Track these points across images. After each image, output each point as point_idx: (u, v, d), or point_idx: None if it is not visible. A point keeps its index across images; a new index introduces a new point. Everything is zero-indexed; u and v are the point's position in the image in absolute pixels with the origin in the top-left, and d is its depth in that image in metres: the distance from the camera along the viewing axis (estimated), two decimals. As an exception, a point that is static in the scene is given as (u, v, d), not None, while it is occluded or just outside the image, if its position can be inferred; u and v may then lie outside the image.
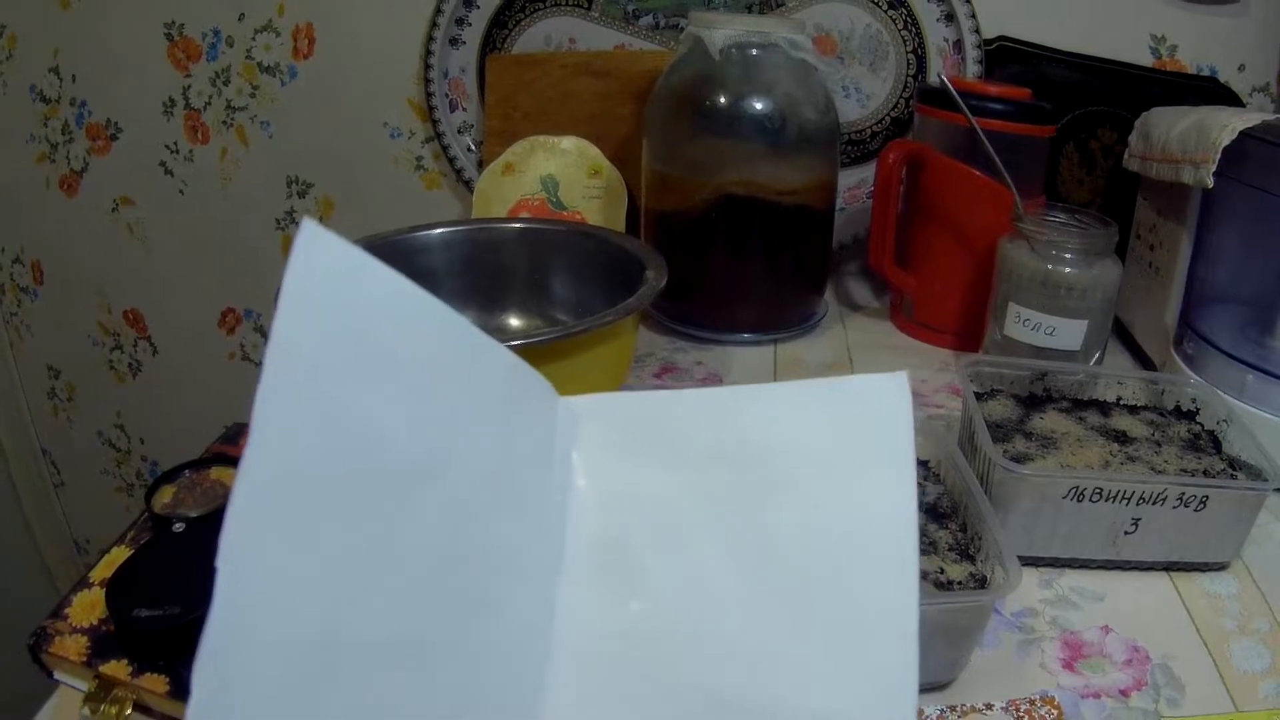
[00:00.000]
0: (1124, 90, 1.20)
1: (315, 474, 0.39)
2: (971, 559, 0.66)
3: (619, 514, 0.53)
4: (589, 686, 0.49)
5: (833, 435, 0.51)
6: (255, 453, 0.37)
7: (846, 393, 0.52)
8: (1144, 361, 1.07)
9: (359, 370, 0.41)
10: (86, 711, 0.60)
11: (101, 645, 0.62)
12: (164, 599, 0.61)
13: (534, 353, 0.79)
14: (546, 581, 0.51)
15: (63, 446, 1.96)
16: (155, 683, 0.59)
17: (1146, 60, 1.22)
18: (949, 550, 0.67)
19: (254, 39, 1.45)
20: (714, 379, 1.03)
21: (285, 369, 0.37)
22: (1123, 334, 1.12)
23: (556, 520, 0.53)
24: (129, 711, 0.60)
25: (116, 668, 0.60)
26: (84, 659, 0.61)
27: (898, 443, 0.50)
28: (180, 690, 0.59)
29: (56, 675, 0.64)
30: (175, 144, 1.57)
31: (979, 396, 0.85)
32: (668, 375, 1.04)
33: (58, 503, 2.01)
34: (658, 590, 0.51)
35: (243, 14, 1.44)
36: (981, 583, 0.64)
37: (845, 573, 0.49)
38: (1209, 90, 1.19)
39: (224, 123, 1.52)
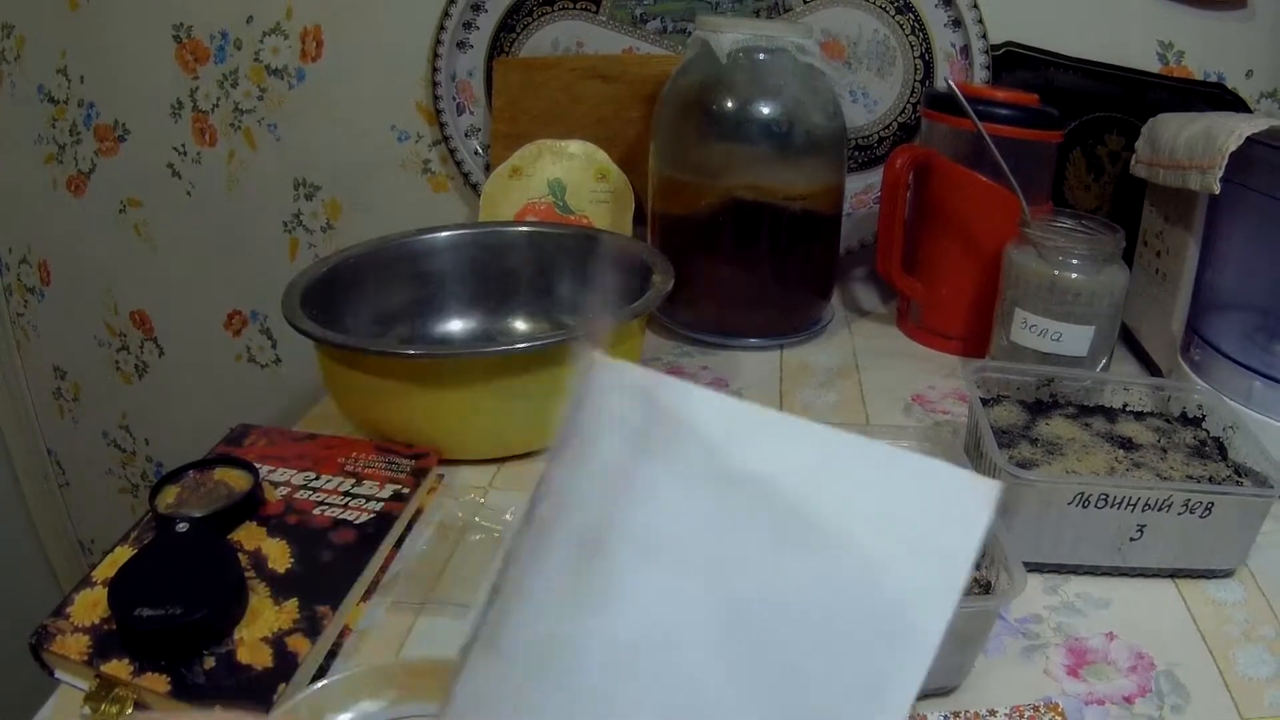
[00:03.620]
0: (1131, 96, 1.20)
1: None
2: (977, 565, 0.66)
3: (613, 509, 0.48)
4: (503, 687, 0.46)
5: (888, 510, 0.41)
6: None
7: (922, 473, 0.45)
8: (1150, 368, 1.07)
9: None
10: (87, 710, 0.60)
11: (103, 644, 0.62)
12: (166, 599, 0.61)
13: (540, 356, 0.80)
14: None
15: (68, 447, 1.96)
16: (156, 682, 0.59)
17: (1154, 66, 1.22)
18: (954, 555, 0.67)
19: (262, 41, 1.45)
20: (720, 384, 1.03)
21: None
22: (1129, 340, 1.12)
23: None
24: (130, 710, 0.60)
25: (117, 667, 0.60)
26: (85, 658, 0.61)
27: (958, 555, 0.42)
28: (181, 690, 0.59)
29: (57, 674, 0.64)
30: (183, 146, 1.57)
31: (985, 402, 0.85)
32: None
33: (62, 503, 2.01)
34: (623, 604, 0.46)
35: (251, 16, 1.44)
36: (987, 588, 0.64)
37: (826, 669, 0.39)
38: (1216, 96, 1.19)
39: (232, 125, 1.52)
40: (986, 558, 0.65)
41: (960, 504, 0.42)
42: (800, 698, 0.41)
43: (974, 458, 0.78)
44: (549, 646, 0.45)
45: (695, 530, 0.46)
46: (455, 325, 1.02)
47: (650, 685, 0.43)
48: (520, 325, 1.03)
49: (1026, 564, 0.63)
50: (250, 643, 0.62)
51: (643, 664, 0.44)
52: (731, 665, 0.43)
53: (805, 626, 0.42)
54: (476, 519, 0.79)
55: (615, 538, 0.47)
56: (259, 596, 0.66)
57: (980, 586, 0.64)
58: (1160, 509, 0.71)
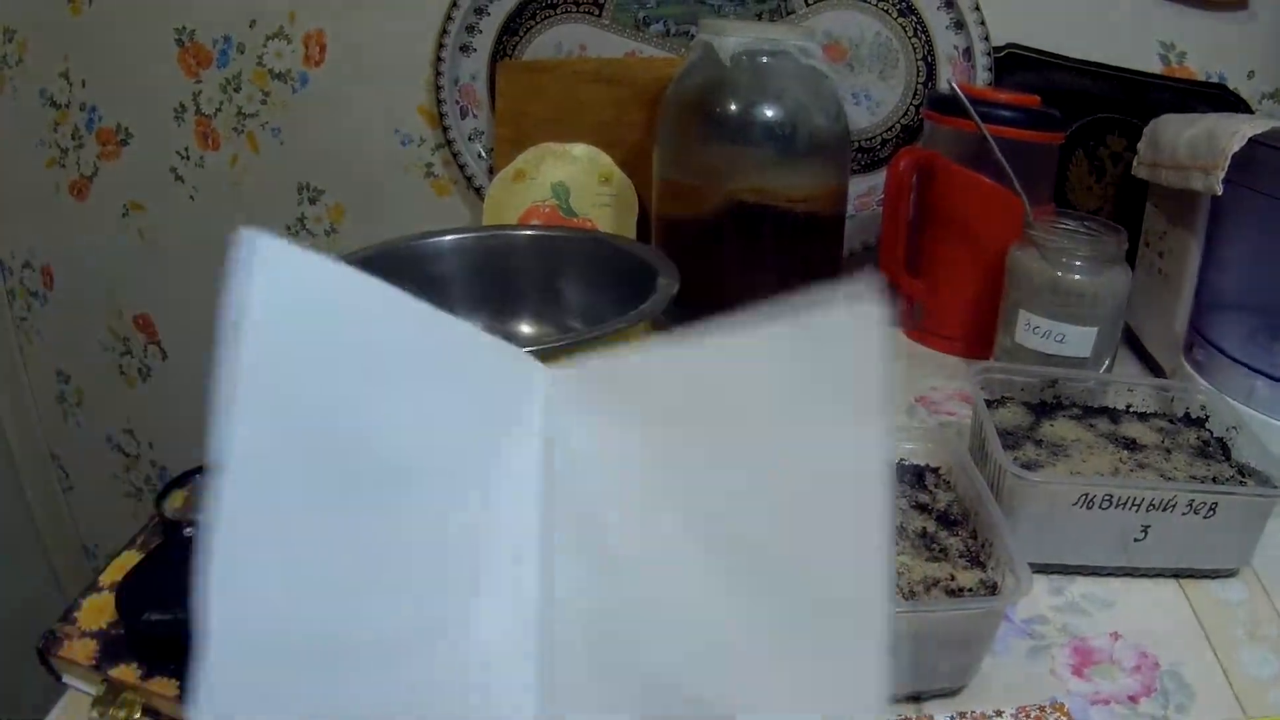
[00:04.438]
0: (1133, 97, 1.20)
1: (293, 479, 0.39)
2: (982, 565, 0.66)
3: (587, 483, 0.49)
4: (563, 679, 0.46)
5: (793, 379, 0.43)
6: (229, 466, 0.36)
7: (811, 330, 0.44)
8: (1153, 368, 1.07)
9: (323, 370, 0.40)
10: (95, 715, 0.60)
11: (110, 649, 0.62)
12: (175, 603, 0.61)
13: (546, 360, 0.80)
14: (523, 562, 0.48)
15: (72, 451, 1.96)
16: (165, 686, 0.59)
17: (1155, 67, 1.22)
18: (960, 557, 0.67)
19: (265, 46, 1.45)
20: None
21: (244, 372, 0.37)
22: (1132, 341, 1.12)
23: (528, 496, 0.49)
24: (138, 715, 0.60)
25: (125, 671, 0.61)
26: (93, 662, 0.61)
27: (866, 383, 0.41)
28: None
29: (65, 679, 0.64)
30: (186, 150, 1.57)
31: (989, 404, 0.85)
32: (678, 382, 1.03)
33: (66, 507, 2.01)
34: (620, 564, 0.47)
35: (254, 20, 1.44)
36: (992, 589, 0.64)
37: (803, 548, 0.41)
38: (1218, 97, 1.19)
39: (235, 129, 1.52)
40: (992, 559, 0.66)
41: (850, 338, 0.42)
42: (789, 579, 0.42)
43: (979, 459, 0.78)
44: (598, 624, 0.46)
45: (651, 474, 0.47)
46: (460, 330, 1.01)
47: (660, 622, 0.45)
48: (526, 329, 1.03)
49: (1031, 565, 0.63)
50: (258, 646, 0.62)
51: (651, 606, 0.45)
52: (716, 575, 0.44)
53: (760, 520, 0.43)
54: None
55: (598, 509, 0.48)
56: (266, 600, 0.66)
57: (986, 588, 0.64)
58: (1165, 509, 0.71)
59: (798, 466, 0.42)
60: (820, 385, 0.43)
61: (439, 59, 1.35)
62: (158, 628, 0.60)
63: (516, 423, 0.50)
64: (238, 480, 0.36)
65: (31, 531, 1.99)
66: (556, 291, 1.03)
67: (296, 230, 1.56)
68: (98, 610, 0.65)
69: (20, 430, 1.93)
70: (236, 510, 0.36)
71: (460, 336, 0.48)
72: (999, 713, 0.61)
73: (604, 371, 0.51)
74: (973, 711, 0.61)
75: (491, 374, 0.50)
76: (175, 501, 0.74)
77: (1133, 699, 0.63)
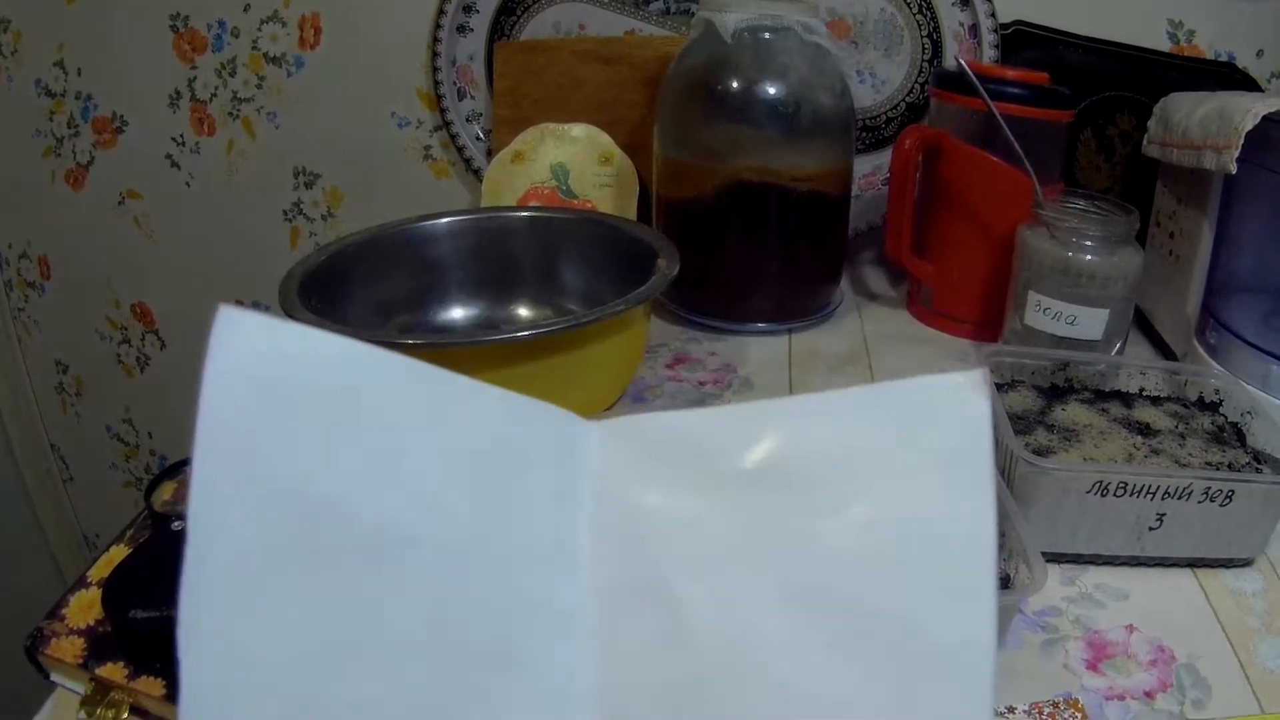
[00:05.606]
0: (1142, 76, 1.18)
1: (269, 554, 0.38)
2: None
3: (652, 550, 0.46)
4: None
5: (894, 446, 0.44)
6: (200, 540, 0.36)
7: (911, 397, 0.45)
8: (1165, 352, 1.05)
9: (304, 443, 0.39)
10: (83, 715, 0.59)
11: (98, 647, 0.61)
12: (161, 600, 0.59)
13: (544, 344, 0.79)
14: (568, 632, 0.46)
15: (71, 441, 1.96)
16: (152, 685, 0.58)
17: (1164, 46, 1.20)
18: (970, 547, 0.65)
19: (260, 30, 1.44)
20: (728, 369, 1.01)
21: (217, 455, 0.37)
22: (1143, 324, 1.10)
23: (580, 564, 0.47)
24: (125, 715, 0.59)
25: (113, 670, 0.59)
26: (80, 661, 0.60)
27: (974, 452, 0.42)
28: (178, 693, 0.58)
29: (53, 677, 0.63)
30: (181, 136, 1.56)
31: (1000, 387, 0.84)
32: (680, 366, 1.02)
33: (66, 498, 2.01)
34: (701, 636, 0.44)
35: (248, 5, 1.43)
36: (1005, 581, 0.62)
37: (912, 607, 0.42)
38: (1227, 76, 1.17)
39: (230, 114, 1.52)
40: (1004, 550, 0.64)
41: (954, 406, 0.43)
42: (891, 636, 0.42)
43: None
44: (663, 692, 0.45)
45: (733, 539, 0.46)
46: (458, 313, 1.00)
47: (748, 688, 0.43)
48: (524, 312, 1.01)
49: (1043, 555, 0.61)
50: (247, 644, 0.61)
51: (736, 673, 0.44)
52: (811, 638, 0.43)
53: (860, 581, 0.43)
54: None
55: (668, 576, 0.46)
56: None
57: (998, 579, 0.62)
58: (1180, 497, 0.69)
59: (904, 527, 0.43)
60: (920, 446, 0.43)
61: (436, 40, 1.33)
62: (143, 626, 0.59)
63: (554, 483, 0.48)
64: (210, 549, 0.36)
65: (32, 523, 1.99)
66: (554, 273, 1.01)
67: (293, 215, 1.55)
68: (85, 607, 0.63)
69: (20, 421, 1.93)
70: (209, 583, 0.36)
71: (484, 398, 0.46)
72: (1011, 709, 0.59)
73: (661, 430, 0.49)
74: (985, 708, 0.60)
75: (525, 433, 0.48)
76: (165, 493, 0.72)
77: (1148, 694, 0.62)
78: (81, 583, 0.65)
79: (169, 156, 1.58)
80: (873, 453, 0.44)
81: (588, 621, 0.46)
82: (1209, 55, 1.20)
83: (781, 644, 0.43)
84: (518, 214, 1.03)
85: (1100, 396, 0.84)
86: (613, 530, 0.47)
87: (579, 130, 1.24)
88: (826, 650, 0.42)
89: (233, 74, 1.48)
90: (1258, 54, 1.19)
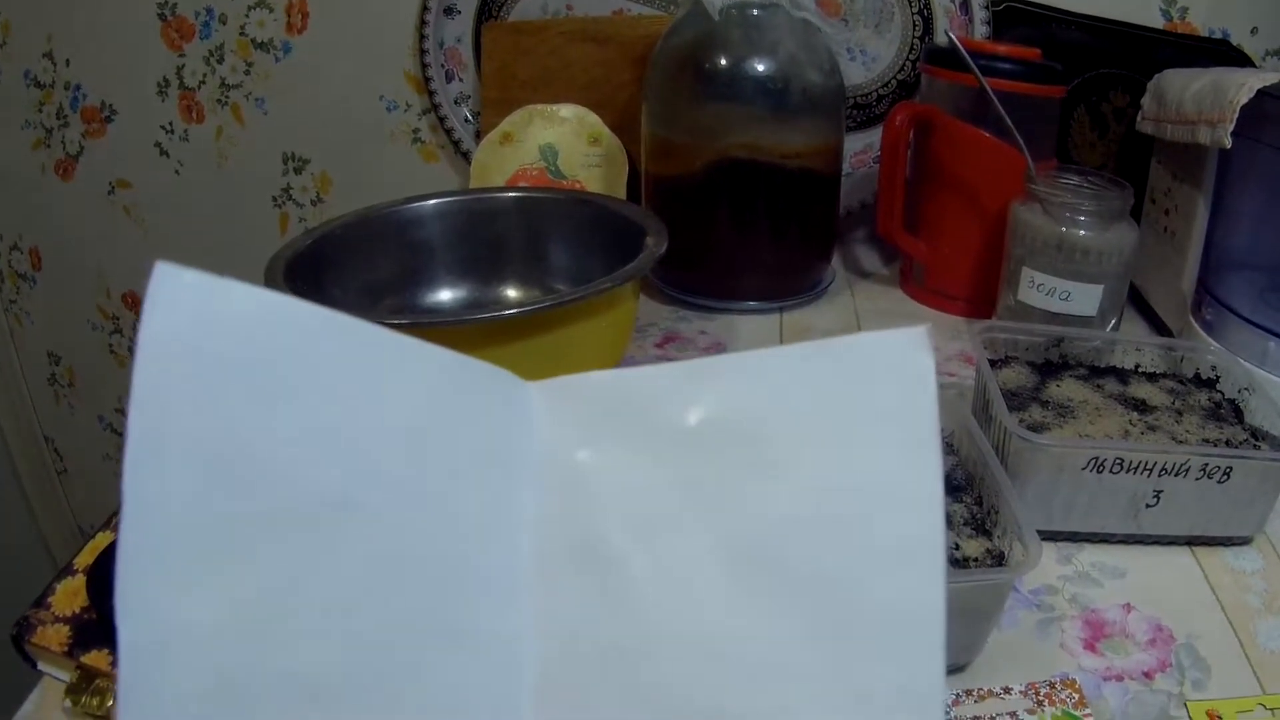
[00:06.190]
0: (1135, 53, 1.17)
1: (204, 518, 0.37)
2: (988, 534, 0.64)
3: (593, 511, 0.46)
4: (569, 710, 0.44)
5: (839, 404, 0.43)
6: (134, 507, 0.35)
7: (854, 354, 0.44)
8: (1160, 329, 1.04)
9: (241, 405, 0.38)
10: (69, 704, 0.58)
11: (83, 635, 0.60)
12: (144, 587, 0.59)
13: (531, 323, 0.78)
14: (511, 596, 0.45)
15: (65, 433, 1.96)
16: (135, 674, 0.57)
17: (1158, 23, 1.19)
18: (964, 525, 0.65)
19: (247, 15, 1.43)
20: (718, 348, 1.01)
21: (153, 417, 0.36)
22: (1137, 300, 1.09)
23: (522, 526, 0.46)
24: (111, 702, 0.58)
25: (98, 658, 0.59)
26: (65, 649, 0.60)
27: (918, 410, 0.42)
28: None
29: (40, 666, 0.62)
30: (170, 124, 1.55)
31: (993, 363, 0.83)
32: (670, 345, 1.01)
33: (61, 490, 2.01)
34: (643, 598, 0.44)
35: (236, -11, 1.42)
36: (999, 560, 0.61)
37: (857, 567, 0.41)
38: (1222, 53, 1.16)
39: (219, 101, 1.51)
40: (999, 527, 0.63)
41: (898, 363, 0.43)
42: (835, 598, 0.41)
43: (982, 421, 0.76)
44: (605, 653, 0.44)
45: (674, 499, 0.45)
46: (445, 295, 0.99)
47: (691, 650, 0.43)
48: (512, 293, 1.00)
49: (1039, 533, 0.60)
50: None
51: (679, 635, 0.43)
52: (754, 598, 0.42)
53: (803, 541, 0.42)
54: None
55: (609, 537, 0.46)
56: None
57: (993, 557, 0.62)
58: (1178, 474, 0.69)
59: (847, 487, 0.42)
60: (866, 406, 0.43)
61: (423, 22, 1.33)
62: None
63: (496, 443, 0.47)
64: (144, 517, 0.35)
65: (26, 515, 1.99)
66: (543, 254, 1.00)
67: (283, 201, 1.55)
68: (71, 594, 0.63)
69: (13, 414, 1.93)
70: (144, 549, 0.35)
71: (425, 360, 0.45)
72: (1007, 690, 0.59)
73: (600, 389, 0.49)
74: (980, 689, 0.59)
75: (465, 396, 0.47)
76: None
77: (1147, 674, 0.61)
78: (68, 570, 0.65)
79: (158, 145, 1.57)
80: (815, 411, 0.43)
81: (531, 584, 0.45)
82: (1203, 32, 1.19)
83: (724, 605, 0.43)
84: (505, 195, 1.02)
85: (1095, 373, 0.83)
86: (553, 491, 0.47)
87: (567, 111, 1.23)
88: (769, 612, 0.42)
89: (220, 60, 1.48)
90: (1252, 31, 1.18)
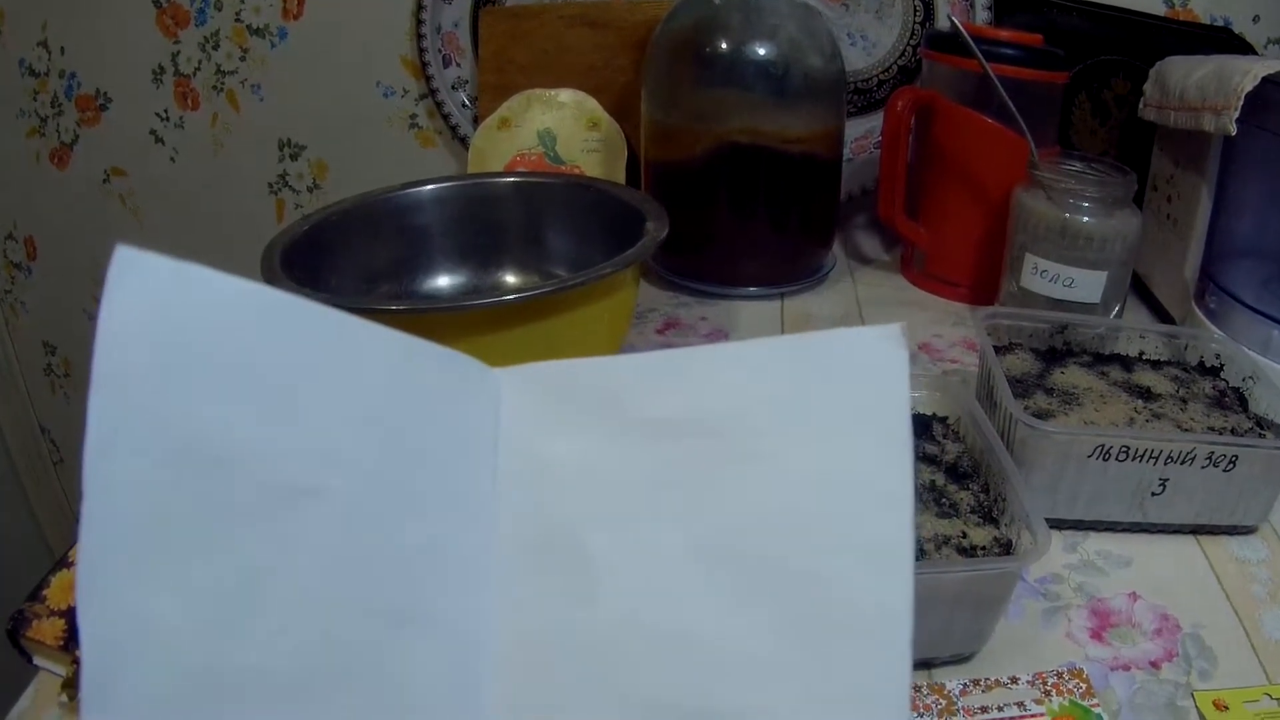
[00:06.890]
0: (1137, 40, 1.17)
1: (165, 509, 0.37)
2: (995, 522, 0.63)
3: (561, 501, 0.46)
4: (532, 701, 0.44)
5: (812, 400, 0.43)
6: (94, 499, 0.35)
7: (828, 350, 0.43)
8: (1162, 316, 1.04)
9: (202, 392, 0.38)
10: (64, 698, 0.58)
11: (78, 628, 0.59)
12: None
13: (530, 309, 0.77)
14: (475, 585, 0.45)
15: (61, 424, 1.96)
16: (132, 667, 0.57)
17: (1159, 10, 1.19)
18: (971, 513, 0.64)
19: (243, 2, 1.43)
20: (719, 334, 1.00)
21: (113, 405, 0.36)
22: (1140, 288, 1.09)
23: (487, 514, 0.46)
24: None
25: (93, 652, 0.58)
26: (61, 643, 0.59)
27: (891, 408, 0.42)
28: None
29: (36, 660, 0.62)
30: (165, 111, 1.54)
31: (997, 350, 0.82)
32: (671, 331, 1.01)
33: (58, 481, 2.01)
34: (610, 589, 0.44)
35: (231, -25, 1.41)
36: (1007, 548, 0.61)
37: (825, 563, 0.41)
38: (1224, 41, 1.16)
39: (214, 88, 1.50)
40: (1006, 515, 0.63)
41: (872, 360, 0.42)
42: (802, 594, 0.41)
43: (987, 407, 0.75)
44: (569, 643, 0.44)
45: (642, 490, 0.44)
46: (444, 281, 0.99)
47: (657, 643, 0.42)
48: (510, 278, 1.00)
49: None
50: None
51: (645, 628, 0.43)
52: (721, 593, 0.42)
53: (770, 535, 0.42)
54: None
55: (577, 527, 0.45)
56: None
57: (1000, 546, 0.61)
58: (1183, 462, 0.68)
59: (817, 482, 0.42)
60: (837, 401, 0.43)
61: (420, 6, 1.32)
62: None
63: (462, 432, 0.47)
64: (104, 507, 0.35)
65: (23, 506, 1.99)
66: (541, 240, 0.99)
67: (279, 188, 1.54)
68: (66, 588, 0.62)
69: (9, 404, 1.93)
70: (105, 540, 0.35)
71: (390, 346, 0.45)
72: (1014, 680, 0.58)
73: (570, 377, 0.48)
74: (986, 679, 0.58)
75: (430, 384, 0.46)
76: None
77: (1154, 664, 0.61)
78: (63, 563, 0.64)
79: (153, 132, 1.57)
80: (787, 405, 0.43)
81: (496, 574, 0.45)
82: (1204, 20, 1.19)
83: (690, 598, 0.42)
84: (503, 180, 1.02)
85: (1099, 360, 0.82)
86: (520, 479, 0.46)
87: (566, 96, 1.23)
88: (735, 606, 0.42)
89: (216, 47, 1.47)
90: (1254, 19, 1.18)
